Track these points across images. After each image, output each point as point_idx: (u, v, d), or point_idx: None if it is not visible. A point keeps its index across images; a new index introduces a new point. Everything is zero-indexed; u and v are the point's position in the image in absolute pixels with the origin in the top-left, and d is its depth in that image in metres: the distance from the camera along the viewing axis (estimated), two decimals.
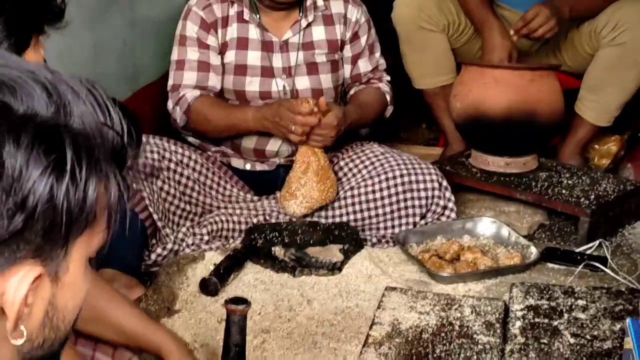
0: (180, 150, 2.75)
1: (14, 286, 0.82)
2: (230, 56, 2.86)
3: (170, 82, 2.87)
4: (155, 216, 2.58)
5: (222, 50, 2.86)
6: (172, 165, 2.71)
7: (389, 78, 3.09)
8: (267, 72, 2.87)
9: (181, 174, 2.72)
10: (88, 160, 0.84)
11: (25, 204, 0.80)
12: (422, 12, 3.24)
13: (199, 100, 2.82)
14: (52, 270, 0.85)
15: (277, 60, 2.87)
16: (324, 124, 2.67)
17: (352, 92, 3.04)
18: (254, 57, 2.86)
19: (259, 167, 2.92)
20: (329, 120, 2.68)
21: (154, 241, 2.61)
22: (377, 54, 3.06)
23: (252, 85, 2.86)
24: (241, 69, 2.86)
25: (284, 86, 2.86)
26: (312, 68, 2.91)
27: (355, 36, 2.98)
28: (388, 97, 3.05)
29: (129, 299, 2.09)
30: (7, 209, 0.80)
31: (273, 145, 2.88)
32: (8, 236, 0.80)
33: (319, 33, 2.92)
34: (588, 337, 2.20)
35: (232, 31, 2.86)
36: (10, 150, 0.80)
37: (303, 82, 2.89)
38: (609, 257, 2.63)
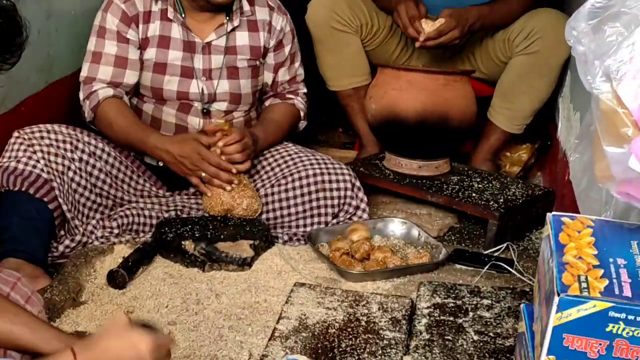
0: (93, 141, 2.72)
1: None
2: (151, 53, 2.83)
3: (83, 74, 2.82)
4: (64, 207, 2.55)
5: (142, 45, 2.83)
6: (85, 157, 2.67)
7: (305, 90, 3.07)
8: (187, 72, 2.85)
9: (93, 166, 2.69)
10: None
11: None
12: (335, 13, 3.27)
13: (108, 102, 2.77)
14: None
15: (198, 62, 2.85)
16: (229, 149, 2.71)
17: (267, 103, 3.02)
18: (175, 57, 2.83)
19: None
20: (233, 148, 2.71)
21: (62, 232, 2.57)
22: (297, 64, 3.05)
23: (171, 84, 2.84)
24: (160, 67, 2.84)
25: (202, 89, 2.84)
26: (232, 72, 2.88)
27: (279, 45, 2.96)
28: (302, 114, 3.03)
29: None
30: None
31: None
32: None
33: (242, 38, 2.90)
34: (491, 334, 2.23)
35: (155, 28, 2.82)
36: None
37: (223, 86, 2.87)
38: (515, 259, 2.68)
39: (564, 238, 1.48)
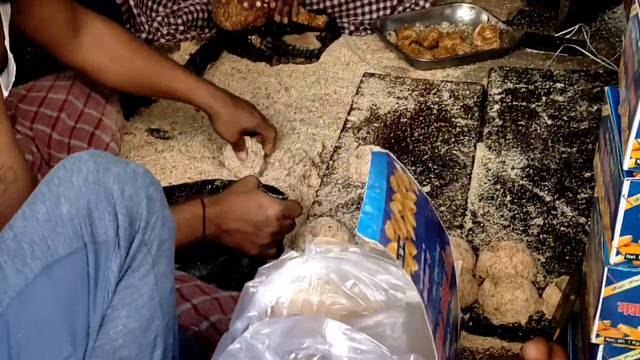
0: None
1: None
2: None
3: None
4: (131, 2, 2.51)
5: None
6: None
7: None
8: None
9: None
10: None
11: None
12: None
13: None
14: None
15: None
16: None
17: None
18: None
19: None
20: None
21: (128, 26, 2.55)
22: None
23: None
24: None
25: None
26: None
27: None
28: None
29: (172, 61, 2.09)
30: None
31: None
32: None
33: None
34: (565, 118, 2.21)
35: None
36: None
37: None
38: (588, 41, 2.61)
39: None
